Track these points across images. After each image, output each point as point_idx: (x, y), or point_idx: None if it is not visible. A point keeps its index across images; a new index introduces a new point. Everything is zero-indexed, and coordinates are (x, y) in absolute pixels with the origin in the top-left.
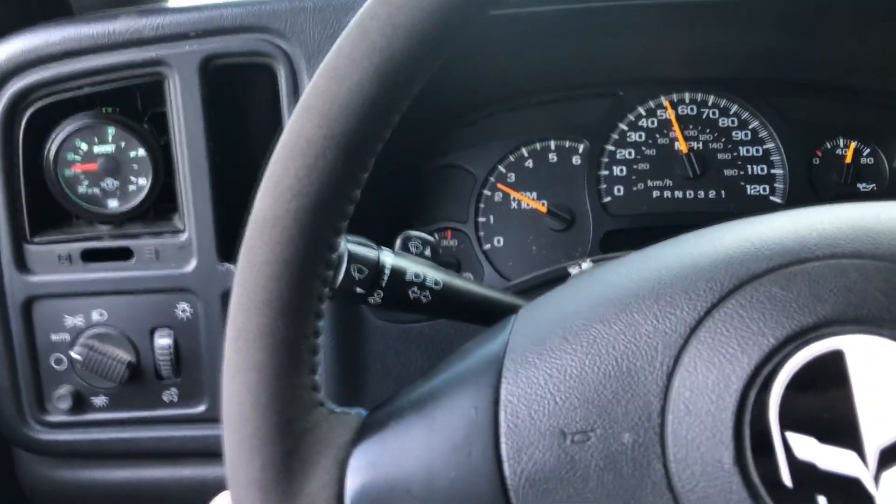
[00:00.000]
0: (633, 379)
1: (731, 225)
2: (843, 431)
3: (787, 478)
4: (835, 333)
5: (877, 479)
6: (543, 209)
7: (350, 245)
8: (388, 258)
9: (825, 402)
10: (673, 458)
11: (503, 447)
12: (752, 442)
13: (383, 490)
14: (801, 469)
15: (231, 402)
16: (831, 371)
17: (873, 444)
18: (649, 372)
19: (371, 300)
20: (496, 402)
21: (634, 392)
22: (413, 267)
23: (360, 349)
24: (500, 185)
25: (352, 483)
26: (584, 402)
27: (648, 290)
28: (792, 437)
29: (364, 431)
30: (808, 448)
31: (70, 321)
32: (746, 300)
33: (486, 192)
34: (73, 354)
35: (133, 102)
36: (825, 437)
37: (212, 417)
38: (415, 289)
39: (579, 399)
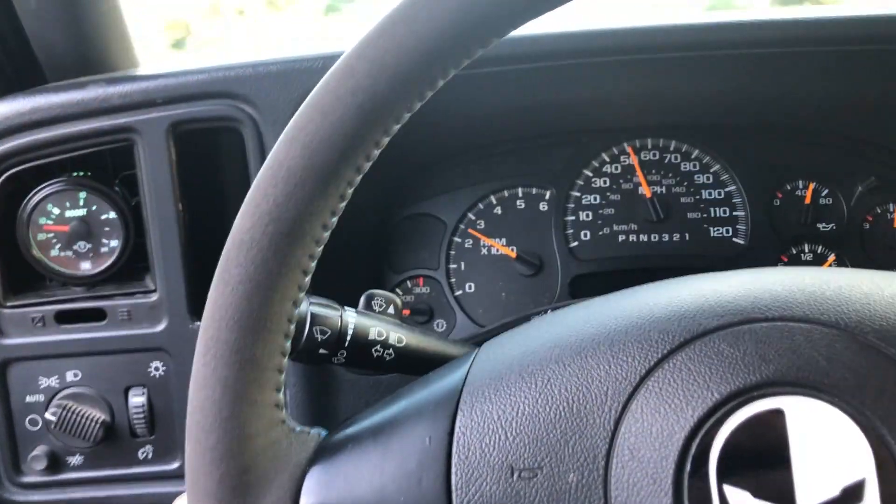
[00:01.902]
0: (583, 421)
1: (689, 279)
2: (778, 489)
3: None
4: (777, 394)
5: None
6: (513, 254)
7: (312, 307)
8: (351, 318)
9: (763, 459)
10: (614, 501)
11: (453, 477)
12: (690, 492)
13: None
14: None
15: (195, 413)
16: (771, 429)
17: (805, 503)
18: (598, 415)
19: (334, 360)
20: (450, 433)
21: (582, 434)
22: (376, 326)
23: (332, 402)
24: (471, 231)
25: (305, 501)
26: (534, 439)
27: (604, 336)
28: (728, 489)
29: (322, 452)
30: (742, 502)
31: (45, 382)
32: (696, 354)
33: (457, 239)
34: (48, 415)
35: (104, 165)
36: (760, 492)
37: None
38: (377, 347)
39: (529, 436)
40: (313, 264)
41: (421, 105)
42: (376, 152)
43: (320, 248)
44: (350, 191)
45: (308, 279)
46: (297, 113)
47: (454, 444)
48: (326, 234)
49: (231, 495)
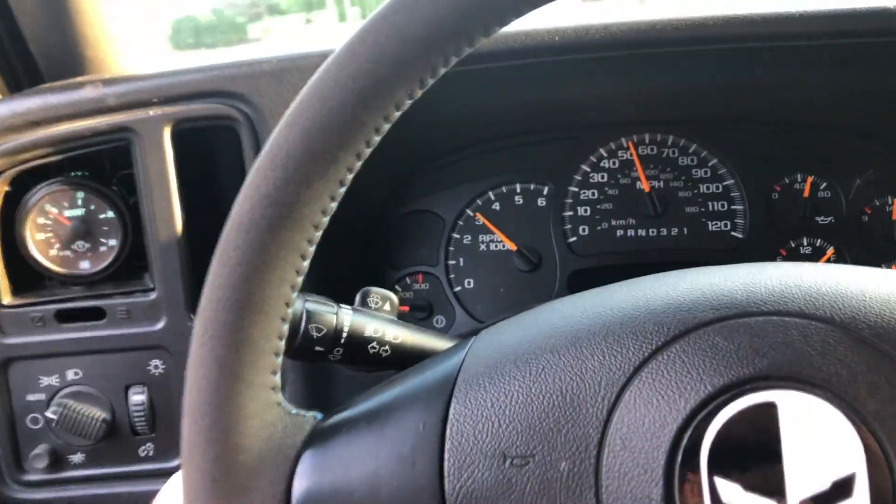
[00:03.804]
0: (575, 410)
1: (685, 273)
2: (768, 481)
3: None
4: (770, 387)
5: None
6: (514, 246)
7: (308, 304)
8: (347, 315)
9: (754, 452)
10: (605, 490)
11: (446, 463)
12: (681, 482)
13: (328, 493)
14: None
15: (192, 393)
16: (763, 423)
17: (795, 496)
18: (591, 405)
19: (331, 357)
20: (444, 419)
21: (575, 423)
22: (372, 323)
23: (332, 398)
24: (478, 215)
25: (299, 484)
26: (527, 427)
27: (599, 326)
28: (719, 481)
29: (316, 435)
30: (733, 494)
31: (45, 381)
32: (690, 346)
33: (456, 236)
34: (49, 414)
35: (102, 165)
36: (750, 485)
37: None
38: (374, 344)
39: (522, 424)
40: (312, 249)
41: (422, 93)
42: (377, 139)
43: (319, 234)
44: (350, 177)
45: (306, 264)
46: (297, 97)
47: (448, 430)
48: (326, 220)
49: (226, 475)
